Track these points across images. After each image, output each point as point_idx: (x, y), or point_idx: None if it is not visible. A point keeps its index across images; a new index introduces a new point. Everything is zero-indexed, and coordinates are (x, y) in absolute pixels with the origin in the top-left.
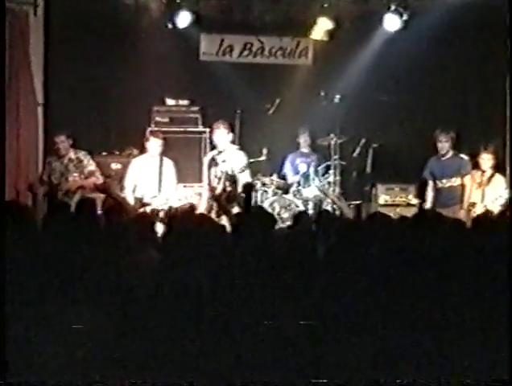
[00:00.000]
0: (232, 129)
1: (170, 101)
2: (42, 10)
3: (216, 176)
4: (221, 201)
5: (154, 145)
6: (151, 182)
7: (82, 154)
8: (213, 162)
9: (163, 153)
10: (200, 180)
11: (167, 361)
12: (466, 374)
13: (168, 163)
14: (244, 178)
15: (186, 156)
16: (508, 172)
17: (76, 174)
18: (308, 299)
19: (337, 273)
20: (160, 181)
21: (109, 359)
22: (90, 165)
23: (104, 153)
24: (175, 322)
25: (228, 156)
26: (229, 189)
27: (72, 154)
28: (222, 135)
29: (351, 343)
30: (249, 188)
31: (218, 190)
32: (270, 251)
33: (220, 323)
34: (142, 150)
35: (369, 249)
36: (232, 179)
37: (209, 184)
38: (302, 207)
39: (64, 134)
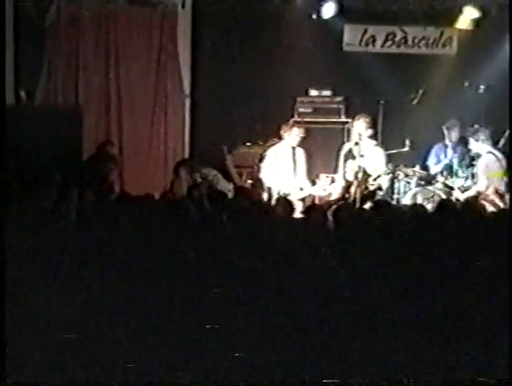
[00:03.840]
0: (373, 125)
1: (313, 92)
2: (189, 3)
3: (353, 169)
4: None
5: (296, 134)
6: (286, 171)
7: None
8: (350, 155)
9: (305, 143)
10: None
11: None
12: (466, 374)
13: (300, 152)
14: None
15: (328, 146)
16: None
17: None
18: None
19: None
20: (295, 171)
21: (110, 359)
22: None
23: (248, 144)
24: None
25: (366, 151)
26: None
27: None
28: (360, 128)
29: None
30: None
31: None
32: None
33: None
34: None
35: None
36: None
37: (344, 177)
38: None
39: (185, 170)
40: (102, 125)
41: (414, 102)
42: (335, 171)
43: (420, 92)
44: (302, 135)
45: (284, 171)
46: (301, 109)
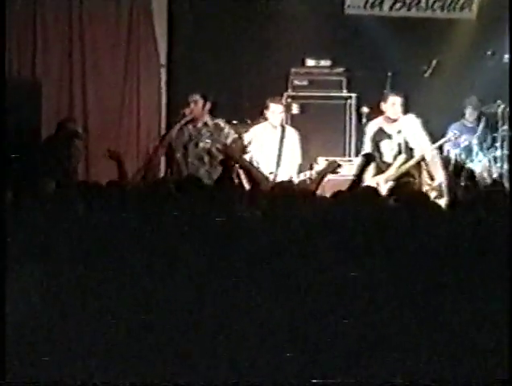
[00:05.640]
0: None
1: (310, 62)
2: None
3: (392, 149)
4: None
5: (274, 112)
6: (270, 156)
7: (221, 121)
8: (384, 135)
9: (301, 121)
10: (343, 153)
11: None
12: (465, 373)
13: (291, 134)
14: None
15: (327, 125)
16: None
17: (208, 141)
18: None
19: None
20: (280, 155)
21: (112, 359)
22: (233, 134)
23: (234, 122)
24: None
25: (402, 125)
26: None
27: (208, 119)
28: (397, 104)
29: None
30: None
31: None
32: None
33: None
34: None
35: None
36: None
37: (381, 160)
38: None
39: (199, 94)
40: (64, 100)
41: (427, 74)
42: (335, 154)
43: (434, 62)
44: (282, 112)
45: (267, 155)
46: (296, 82)
